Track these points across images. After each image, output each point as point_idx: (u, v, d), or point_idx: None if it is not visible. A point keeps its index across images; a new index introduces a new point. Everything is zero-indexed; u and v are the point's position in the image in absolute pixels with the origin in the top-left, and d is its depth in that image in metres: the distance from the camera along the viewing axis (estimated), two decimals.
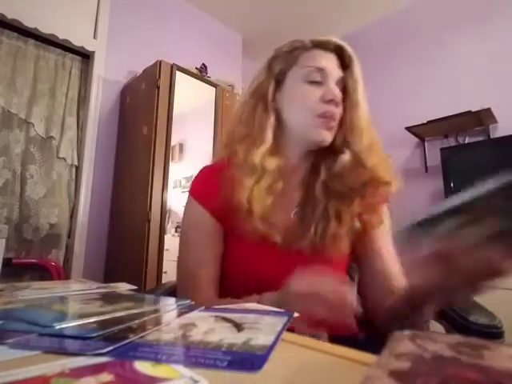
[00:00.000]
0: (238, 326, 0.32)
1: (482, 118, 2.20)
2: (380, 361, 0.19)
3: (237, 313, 0.37)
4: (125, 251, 2.07)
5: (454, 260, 0.36)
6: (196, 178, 0.72)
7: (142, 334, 0.29)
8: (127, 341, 0.27)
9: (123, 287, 0.59)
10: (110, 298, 0.47)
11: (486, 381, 0.16)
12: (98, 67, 2.32)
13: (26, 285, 0.65)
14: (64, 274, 1.99)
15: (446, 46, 2.57)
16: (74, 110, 2.27)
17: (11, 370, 0.22)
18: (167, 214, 2.12)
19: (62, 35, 2.17)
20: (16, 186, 1.99)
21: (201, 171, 0.73)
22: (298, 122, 0.64)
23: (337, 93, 0.62)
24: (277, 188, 0.62)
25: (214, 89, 2.41)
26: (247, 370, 0.22)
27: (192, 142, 2.79)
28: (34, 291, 0.56)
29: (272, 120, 0.64)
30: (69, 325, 0.32)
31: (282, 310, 0.39)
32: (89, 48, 2.29)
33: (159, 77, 2.08)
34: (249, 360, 0.24)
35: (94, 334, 0.29)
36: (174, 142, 2.15)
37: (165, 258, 1.94)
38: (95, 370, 0.22)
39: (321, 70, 0.63)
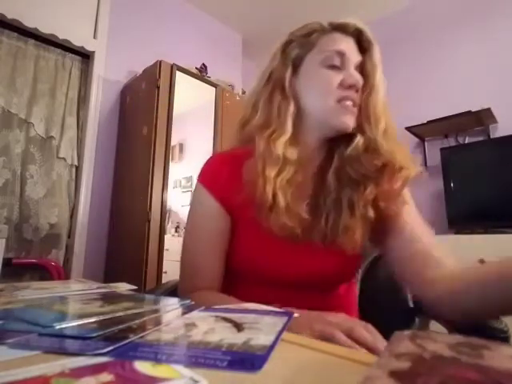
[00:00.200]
0: (238, 326, 0.32)
1: (482, 117, 2.20)
2: (380, 361, 0.19)
3: (237, 313, 0.37)
4: (125, 251, 2.07)
5: None
6: (206, 164, 0.69)
7: (142, 334, 0.29)
8: (127, 341, 0.27)
9: (123, 287, 0.59)
10: (110, 298, 0.47)
11: (485, 381, 0.16)
12: (98, 67, 2.32)
13: (25, 285, 0.65)
14: (64, 273, 1.99)
15: (446, 46, 2.57)
16: (74, 110, 2.27)
17: (11, 370, 0.22)
18: (167, 214, 2.12)
19: (61, 35, 2.17)
20: (16, 186, 1.99)
21: (211, 158, 0.70)
22: (318, 109, 0.61)
23: (358, 78, 0.59)
24: (297, 179, 0.60)
25: (213, 89, 2.41)
26: (247, 369, 0.22)
27: (192, 142, 2.79)
28: (34, 291, 0.56)
29: (292, 107, 0.61)
30: (69, 325, 0.32)
31: (282, 310, 0.39)
32: (89, 48, 2.29)
33: (159, 77, 2.08)
34: (249, 360, 0.24)
35: (94, 334, 0.29)
36: (174, 142, 2.15)
37: (165, 258, 1.94)
38: (95, 369, 0.22)
39: (341, 53, 0.60)
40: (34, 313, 0.37)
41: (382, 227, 0.63)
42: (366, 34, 0.63)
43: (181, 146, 2.80)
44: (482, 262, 1.74)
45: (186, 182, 2.78)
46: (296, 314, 0.37)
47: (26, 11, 2.05)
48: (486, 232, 1.89)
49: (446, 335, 0.22)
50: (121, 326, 0.31)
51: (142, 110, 2.17)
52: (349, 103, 0.59)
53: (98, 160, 2.27)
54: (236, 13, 3.01)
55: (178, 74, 2.18)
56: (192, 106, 2.49)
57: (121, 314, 0.36)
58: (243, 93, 2.83)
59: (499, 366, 0.17)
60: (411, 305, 0.82)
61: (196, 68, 2.46)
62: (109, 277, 2.16)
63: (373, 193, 0.59)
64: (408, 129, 2.40)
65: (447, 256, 0.58)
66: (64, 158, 2.17)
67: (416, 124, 2.37)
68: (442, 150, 2.31)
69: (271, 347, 0.26)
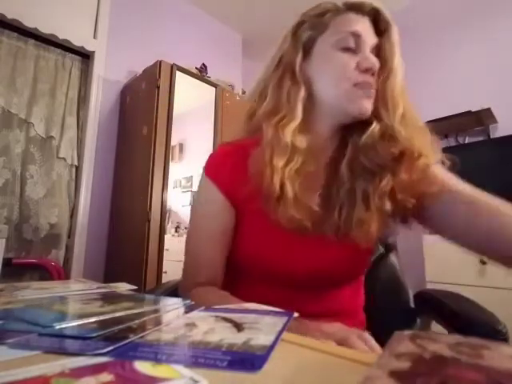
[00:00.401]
0: (238, 326, 0.32)
1: (482, 117, 2.20)
2: (380, 361, 0.19)
3: (237, 313, 0.37)
4: (125, 251, 2.07)
5: None
6: (212, 155, 0.67)
7: (142, 334, 0.29)
8: (127, 341, 0.27)
9: (123, 287, 0.59)
10: (110, 298, 0.47)
11: (485, 381, 0.16)
12: (98, 67, 2.32)
13: (25, 285, 0.65)
14: (64, 274, 1.99)
15: (446, 46, 2.57)
16: (74, 110, 2.27)
17: (11, 370, 0.22)
18: (167, 214, 2.12)
19: (61, 35, 2.17)
20: (16, 186, 1.99)
21: (218, 148, 0.68)
22: (332, 94, 0.57)
23: (374, 61, 0.55)
24: (307, 169, 0.57)
25: (213, 89, 2.41)
26: (247, 369, 0.22)
27: (192, 142, 2.79)
28: (34, 291, 0.56)
29: (302, 93, 0.58)
30: (69, 325, 0.32)
31: (282, 310, 0.39)
32: (89, 48, 2.29)
33: (159, 77, 2.08)
34: (249, 360, 0.24)
35: (94, 334, 0.29)
36: (174, 142, 2.16)
37: (165, 258, 1.94)
38: (95, 369, 0.22)
39: (356, 35, 0.56)
40: (33, 313, 0.37)
41: (416, 211, 0.58)
42: (383, 13, 0.58)
43: (181, 146, 2.80)
44: (482, 262, 1.74)
45: (186, 182, 2.78)
46: (296, 314, 0.37)
47: (25, 11, 2.05)
48: None
49: (446, 335, 0.22)
50: (121, 326, 0.31)
51: (141, 110, 2.17)
52: (366, 86, 0.56)
53: (98, 160, 2.27)
54: (236, 13, 3.01)
55: (178, 74, 2.18)
56: (192, 106, 2.49)
57: (121, 313, 0.36)
58: (243, 93, 2.83)
59: (499, 366, 0.17)
60: (412, 305, 0.82)
61: (196, 68, 2.46)
62: (109, 277, 2.16)
63: (389, 184, 0.55)
64: None
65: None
66: (64, 158, 2.17)
67: None
68: (442, 149, 2.31)
69: (271, 347, 0.26)
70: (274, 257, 0.60)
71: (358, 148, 0.57)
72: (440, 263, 1.88)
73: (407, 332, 0.22)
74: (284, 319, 0.34)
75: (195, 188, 2.71)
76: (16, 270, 1.86)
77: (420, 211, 0.59)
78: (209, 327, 0.32)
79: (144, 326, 0.32)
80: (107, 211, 2.29)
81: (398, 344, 0.21)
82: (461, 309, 0.66)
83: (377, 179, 0.56)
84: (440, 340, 0.21)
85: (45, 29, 2.11)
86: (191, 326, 0.33)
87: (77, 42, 2.24)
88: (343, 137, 0.62)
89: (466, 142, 2.37)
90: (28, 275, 1.94)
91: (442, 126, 2.36)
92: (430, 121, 2.35)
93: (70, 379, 0.21)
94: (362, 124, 0.57)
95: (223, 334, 0.29)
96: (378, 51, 0.58)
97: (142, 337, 0.29)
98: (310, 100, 0.59)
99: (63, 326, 0.32)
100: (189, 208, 2.73)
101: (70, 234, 2.17)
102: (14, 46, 2.08)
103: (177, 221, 2.75)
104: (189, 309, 0.40)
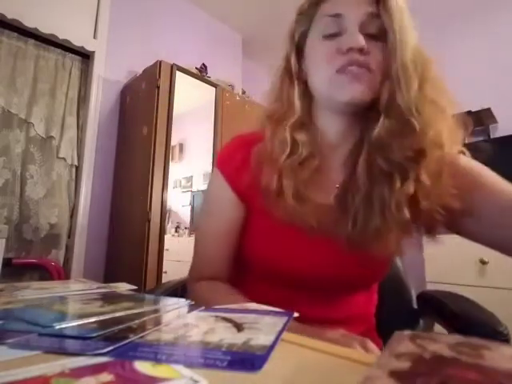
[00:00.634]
0: (238, 326, 0.31)
1: (482, 117, 2.20)
2: (380, 361, 0.19)
3: (237, 313, 0.37)
4: (125, 251, 2.07)
5: None
6: (224, 148, 0.65)
7: (141, 334, 0.29)
8: (127, 341, 0.27)
9: (123, 287, 0.59)
10: (110, 298, 0.47)
11: (486, 381, 0.16)
12: (98, 67, 2.32)
13: (25, 285, 0.65)
14: (64, 274, 1.99)
15: (446, 46, 2.57)
16: (74, 110, 2.27)
17: (11, 370, 0.22)
18: (167, 214, 2.12)
19: (61, 35, 2.17)
20: (16, 186, 1.99)
21: (231, 141, 0.65)
22: (320, 85, 0.54)
23: (355, 38, 0.48)
24: (312, 162, 0.54)
25: (213, 89, 2.41)
26: (247, 369, 0.22)
27: (192, 142, 2.79)
28: (34, 291, 0.56)
29: (297, 89, 0.56)
30: (69, 325, 0.32)
31: (281, 310, 0.39)
32: (89, 48, 2.29)
33: (159, 77, 2.08)
34: (249, 360, 0.24)
35: (94, 334, 0.29)
36: (174, 142, 2.15)
37: (165, 258, 1.94)
38: (95, 369, 0.22)
39: (336, 16, 0.51)
40: (33, 313, 0.37)
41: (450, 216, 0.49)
42: None
43: (181, 146, 2.80)
44: (482, 262, 1.74)
45: (186, 182, 2.78)
46: (296, 314, 0.37)
47: (25, 11, 2.05)
48: None
49: (446, 335, 0.22)
50: (121, 326, 0.31)
51: (141, 110, 2.17)
52: (352, 68, 0.49)
53: (98, 160, 2.27)
54: (236, 13, 3.01)
55: (178, 74, 2.18)
56: (192, 106, 2.49)
57: (121, 313, 0.36)
58: (243, 93, 2.83)
59: (499, 367, 0.17)
60: (415, 306, 0.82)
61: (196, 68, 2.46)
62: (109, 277, 2.16)
63: (408, 189, 0.47)
64: None
65: None
66: (64, 158, 2.17)
67: None
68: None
69: (271, 347, 0.26)
70: (278, 256, 0.58)
71: (371, 145, 0.51)
72: (440, 263, 1.88)
73: (407, 332, 0.22)
74: (284, 319, 0.34)
75: (195, 188, 2.71)
76: (16, 270, 1.86)
77: (455, 221, 0.51)
78: (209, 327, 0.32)
79: (144, 326, 0.32)
80: (107, 211, 2.29)
81: (398, 344, 0.21)
82: (461, 309, 0.66)
83: (395, 183, 0.49)
84: (440, 340, 0.21)
85: (45, 29, 2.11)
86: (191, 326, 0.33)
87: (77, 41, 2.24)
88: (361, 131, 0.56)
89: (466, 142, 2.36)
90: (28, 275, 1.94)
91: None
92: None
93: (70, 379, 0.21)
94: (377, 114, 0.50)
95: (223, 334, 0.29)
96: (380, 20, 0.50)
97: (141, 337, 0.29)
98: (308, 95, 0.58)
99: (63, 326, 0.32)
100: (189, 208, 2.73)
101: (70, 234, 2.17)
102: (14, 46, 2.08)
103: (177, 221, 2.75)
104: (189, 309, 0.41)
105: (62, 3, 2.22)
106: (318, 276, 0.58)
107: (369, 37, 0.50)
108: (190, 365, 0.23)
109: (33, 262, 1.93)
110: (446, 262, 1.83)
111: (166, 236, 1.99)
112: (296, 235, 0.56)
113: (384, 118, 0.49)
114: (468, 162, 0.54)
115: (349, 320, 0.61)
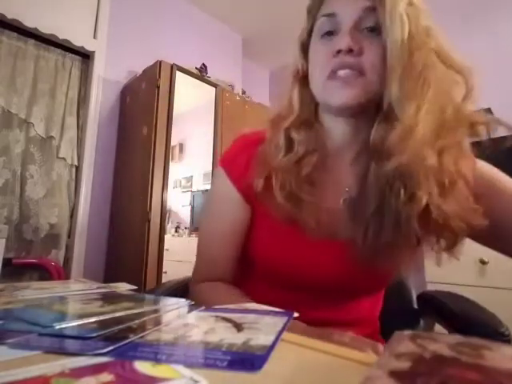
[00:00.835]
0: (238, 326, 0.31)
1: None
2: (380, 361, 0.19)
3: (237, 313, 0.37)
4: (125, 251, 2.07)
5: None
6: (229, 148, 0.64)
7: (142, 334, 0.29)
8: (127, 341, 0.27)
9: (123, 287, 0.59)
10: (110, 298, 0.47)
11: (486, 381, 0.16)
12: (98, 67, 2.32)
13: (25, 285, 0.65)
14: (64, 274, 1.99)
15: None
16: (74, 110, 2.27)
17: (11, 370, 0.22)
18: (167, 214, 2.13)
19: (61, 35, 2.17)
20: (16, 186, 2.00)
21: (236, 141, 0.64)
22: (315, 90, 0.53)
23: (343, 39, 0.47)
24: (310, 159, 0.52)
25: (213, 89, 2.42)
26: (247, 369, 0.22)
27: (192, 142, 2.79)
28: (34, 291, 0.56)
29: (297, 90, 0.56)
30: (69, 325, 0.32)
31: (281, 310, 0.38)
32: (89, 48, 2.29)
33: (159, 77, 2.08)
34: (249, 360, 0.24)
35: (94, 334, 0.29)
36: (174, 142, 2.16)
37: (165, 258, 1.94)
38: (95, 369, 0.22)
39: (330, 16, 0.50)
40: (33, 313, 0.37)
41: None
42: None
43: (181, 145, 2.81)
44: (482, 262, 1.74)
45: (186, 182, 2.78)
46: (296, 314, 0.37)
47: (26, 11, 2.05)
48: None
49: (447, 335, 0.22)
50: (121, 326, 0.31)
51: (141, 110, 2.17)
52: (342, 72, 0.47)
53: (98, 160, 2.27)
54: (236, 13, 3.01)
55: (178, 74, 2.18)
56: (192, 105, 2.49)
57: (121, 313, 0.36)
58: (243, 93, 2.83)
59: (500, 367, 0.17)
60: (416, 306, 0.82)
61: (196, 68, 2.46)
62: (109, 277, 2.16)
63: (420, 201, 0.43)
64: None
65: None
66: (64, 158, 2.17)
67: None
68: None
69: (271, 347, 0.26)
70: (278, 256, 0.57)
71: (378, 154, 0.47)
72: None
73: (407, 332, 0.22)
74: (284, 319, 0.34)
75: (195, 188, 2.71)
76: (16, 270, 1.86)
77: (473, 231, 0.47)
78: (209, 327, 0.32)
79: (144, 326, 0.32)
80: (107, 211, 2.29)
81: (398, 344, 0.21)
82: (461, 309, 0.66)
83: (402, 195, 0.45)
84: (440, 340, 0.21)
85: (45, 29, 2.11)
86: (191, 326, 0.33)
87: (77, 41, 2.24)
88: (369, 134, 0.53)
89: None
90: (28, 275, 1.94)
91: None
92: None
93: (70, 379, 0.21)
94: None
95: (223, 334, 0.29)
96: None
97: (141, 337, 0.29)
98: (309, 96, 0.57)
99: (63, 326, 0.31)
100: (189, 208, 2.74)
101: (70, 234, 2.17)
102: (14, 46, 2.08)
103: (177, 221, 2.76)
104: (189, 309, 0.41)
105: (62, 3, 2.22)
106: (318, 277, 0.56)
107: (367, 32, 0.48)
108: (190, 365, 0.23)
109: (33, 262, 1.93)
110: (446, 262, 1.83)
111: (166, 236, 1.99)
112: (297, 236, 0.55)
113: (378, 122, 0.47)
114: (483, 167, 0.53)
115: (355, 322, 0.60)
